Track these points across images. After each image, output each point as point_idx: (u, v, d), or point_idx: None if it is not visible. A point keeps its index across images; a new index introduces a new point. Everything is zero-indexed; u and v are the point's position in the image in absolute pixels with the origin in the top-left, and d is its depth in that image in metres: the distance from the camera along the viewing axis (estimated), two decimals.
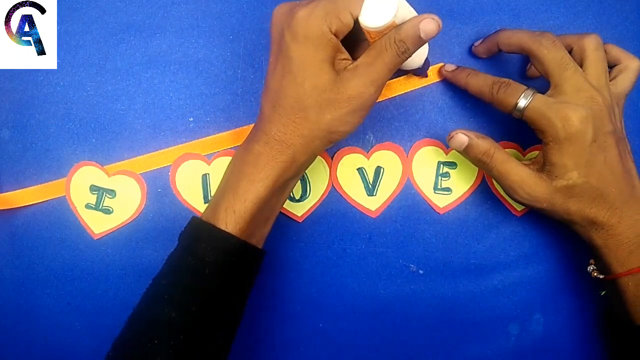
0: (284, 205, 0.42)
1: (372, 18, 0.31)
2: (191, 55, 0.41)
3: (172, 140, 0.41)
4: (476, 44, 0.41)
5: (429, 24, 0.31)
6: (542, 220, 0.43)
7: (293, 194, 0.42)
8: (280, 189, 0.34)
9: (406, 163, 0.42)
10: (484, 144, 0.37)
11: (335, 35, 0.32)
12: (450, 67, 0.41)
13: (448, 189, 0.43)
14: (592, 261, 0.40)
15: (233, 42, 0.41)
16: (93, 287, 0.43)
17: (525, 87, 0.36)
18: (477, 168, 0.43)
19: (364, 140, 0.42)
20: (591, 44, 0.37)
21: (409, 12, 0.32)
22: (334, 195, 0.42)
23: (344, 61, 0.33)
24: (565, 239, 0.44)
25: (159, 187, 0.42)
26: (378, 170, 0.42)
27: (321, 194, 0.42)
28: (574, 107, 0.34)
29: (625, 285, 0.36)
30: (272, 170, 0.33)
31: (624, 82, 0.38)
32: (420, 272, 0.44)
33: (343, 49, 0.33)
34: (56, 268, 0.43)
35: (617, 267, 0.37)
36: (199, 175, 0.42)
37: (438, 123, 0.42)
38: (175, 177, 0.41)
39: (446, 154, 0.43)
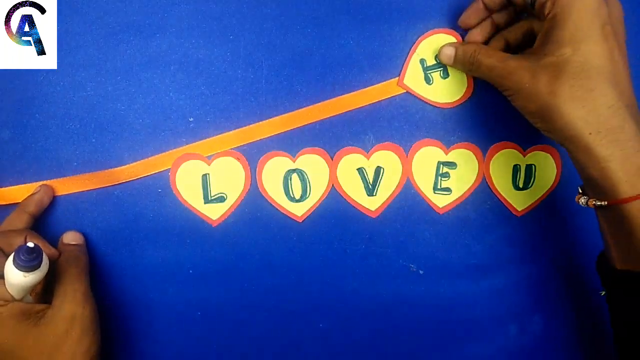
0: (284, 205, 0.42)
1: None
2: (191, 55, 0.41)
3: (172, 140, 0.41)
4: (461, 17, 0.39)
5: (70, 235, 0.40)
6: (542, 220, 0.43)
7: (293, 194, 0.42)
8: None
9: (406, 163, 0.42)
10: (468, 48, 0.37)
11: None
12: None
13: (448, 189, 0.43)
14: (580, 190, 0.36)
15: (233, 42, 0.41)
16: (93, 287, 0.43)
17: None
18: (477, 168, 0.43)
19: (364, 140, 0.42)
20: None
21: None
22: (334, 195, 0.42)
23: (38, 313, 0.35)
24: (566, 239, 0.44)
25: (159, 187, 0.42)
26: (378, 171, 0.42)
27: (321, 194, 0.42)
28: None
29: (630, 213, 0.31)
30: None
31: None
32: (420, 272, 0.44)
33: (32, 305, 0.35)
34: None
35: (624, 187, 0.31)
36: (199, 176, 0.42)
37: (438, 123, 0.42)
38: (176, 177, 0.41)
39: (446, 154, 0.43)
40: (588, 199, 0.35)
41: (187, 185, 0.42)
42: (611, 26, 0.32)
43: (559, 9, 0.32)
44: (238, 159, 0.42)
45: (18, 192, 0.41)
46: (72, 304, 0.35)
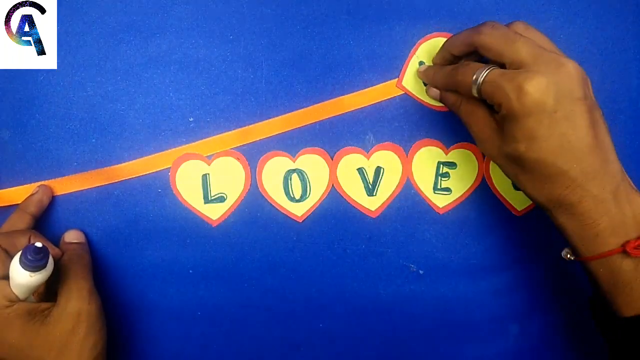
0: (284, 205, 0.42)
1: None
2: (191, 55, 0.41)
3: (172, 140, 0.41)
4: (423, 67, 0.40)
5: (72, 234, 0.40)
6: (542, 220, 0.43)
7: (293, 194, 0.42)
8: None
9: (406, 163, 0.42)
10: (451, 97, 0.37)
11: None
12: (422, 68, 0.40)
13: (448, 189, 0.43)
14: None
15: (233, 42, 0.41)
16: None
17: (485, 65, 0.33)
18: (477, 168, 0.43)
19: (364, 140, 0.42)
20: (519, 28, 0.34)
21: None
22: (334, 195, 0.42)
23: (44, 312, 0.35)
24: (566, 239, 0.43)
25: (159, 187, 0.42)
26: (378, 171, 0.42)
27: (321, 194, 0.42)
28: (530, 75, 0.30)
29: (597, 271, 0.33)
30: None
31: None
32: (420, 272, 0.44)
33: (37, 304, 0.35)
34: None
35: (583, 250, 0.33)
36: (199, 176, 0.42)
37: (438, 123, 0.42)
38: (176, 177, 0.41)
39: (446, 154, 0.43)
40: (567, 252, 0.36)
41: (187, 185, 0.42)
42: (566, 100, 0.31)
43: (502, 109, 0.32)
44: (238, 159, 0.42)
45: (17, 194, 0.41)
46: (78, 301, 0.35)
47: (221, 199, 0.42)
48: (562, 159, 0.31)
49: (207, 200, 0.42)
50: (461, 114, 0.37)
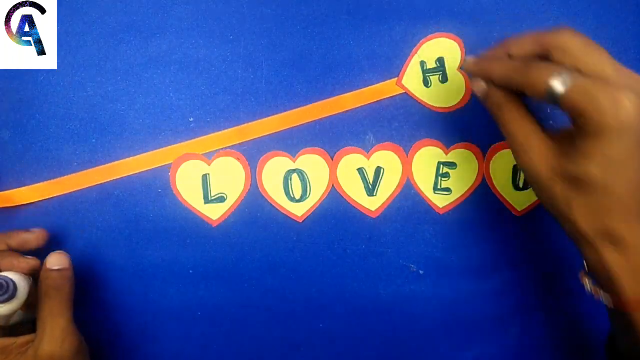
0: (284, 205, 0.42)
1: None
2: (191, 55, 0.41)
3: (172, 140, 0.41)
4: (473, 57, 0.35)
5: (54, 259, 0.36)
6: (542, 220, 0.43)
7: (293, 194, 0.42)
8: None
9: (406, 163, 0.42)
10: (497, 95, 0.32)
11: None
12: (471, 59, 0.34)
13: (448, 189, 0.43)
14: (584, 275, 0.32)
15: (233, 42, 0.41)
16: (93, 287, 0.43)
17: (564, 67, 0.28)
18: (477, 168, 0.43)
19: (364, 140, 0.42)
20: (572, 40, 0.29)
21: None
22: (334, 195, 0.42)
23: (21, 349, 0.34)
24: (565, 239, 0.43)
25: (159, 187, 0.42)
26: (378, 171, 0.42)
27: (321, 194, 0.42)
28: (627, 91, 0.26)
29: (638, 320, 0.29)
30: None
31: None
32: (420, 272, 0.44)
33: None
34: None
35: (630, 295, 0.29)
36: (199, 175, 0.42)
37: (438, 123, 0.42)
38: (176, 177, 0.41)
39: (446, 154, 0.43)
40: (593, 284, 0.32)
41: (187, 185, 0.42)
42: None
43: (586, 121, 0.27)
44: (238, 158, 0.42)
45: (19, 195, 0.41)
46: (50, 344, 0.33)
47: (221, 199, 0.42)
48: (629, 194, 0.28)
49: (207, 200, 0.42)
50: (505, 118, 0.31)
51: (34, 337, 0.34)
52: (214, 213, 0.42)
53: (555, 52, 0.29)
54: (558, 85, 0.28)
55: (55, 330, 0.34)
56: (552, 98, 0.28)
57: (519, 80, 0.30)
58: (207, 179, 0.42)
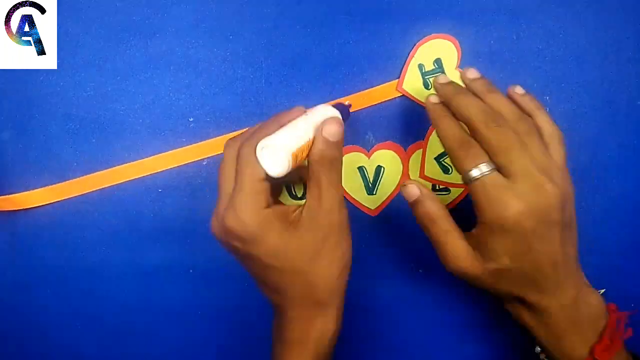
0: (285, 202, 0.42)
1: (274, 167, 0.32)
2: (191, 55, 0.41)
3: (172, 140, 0.41)
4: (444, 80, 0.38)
5: (331, 129, 0.33)
6: None
7: (295, 192, 0.42)
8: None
9: (406, 163, 0.42)
10: (430, 206, 0.35)
11: (268, 205, 0.32)
12: (434, 98, 0.37)
13: (447, 189, 0.43)
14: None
15: (233, 42, 0.41)
16: (93, 287, 0.43)
17: (487, 159, 0.33)
18: None
19: (364, 140, 0.42)
20: (530, 106, 0.36)
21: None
22: None
23: (295, 216, 0.34)
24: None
25: (159, 187, 0.42)
26: (378, 170, 0.42)
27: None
28: (515, 196, 0.32)
29: None
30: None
31: (558, 155, 0.35)
32: (420, 271, 0.44)
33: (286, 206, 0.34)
34: (56, 268, 0.43)
35: (550, 350, 0.36)
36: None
37: None
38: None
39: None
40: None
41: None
42: (544, 224, 0.33)
43: (483, 218, 0.33)
44: None
45: (26, 199, 0.41)
46: (329, 213, 0.33)
47: None
48: (538, 270, 0.34)
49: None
50: (436, 229, 0.35)
51: (301, 206, 0.34)
52: None
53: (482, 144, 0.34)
54: (474, 173, 0.33)
55: (334, 200, 0.33)
56: (468, 180, 0.33)
57: (452, 153, 0.34)
58: None
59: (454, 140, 0.34)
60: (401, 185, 0.37)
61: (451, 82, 0.37)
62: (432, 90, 0.39)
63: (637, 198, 0.43)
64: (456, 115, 0.35)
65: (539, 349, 0.38)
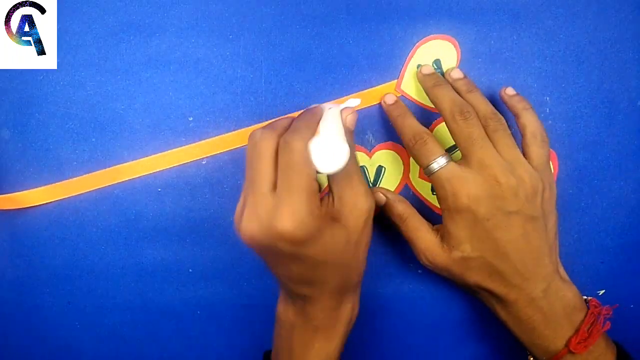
0: None
1: (331, 164, 0.31)
2: (191, 55, 0.41)
3: (172, 140, 0.41)
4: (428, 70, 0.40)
5: (352, 118, 0.34)
6: None
7: None
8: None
9: (407, 163, 0.42)
10: (398, 208, 0.39)
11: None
12: (390, 98, 0.40)
13: None
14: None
15: (233, 42, 0.41)
16: (93, 287, 0.43)
17: (443, 152, 0.36)
18: None
19: (364, 140, 0.42)
20: (519, 106, 0.38)
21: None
22: None
23: (328, 206, 0.34)
24: (566, 238, 0.44)
25: (159, 187, 0.42)
26: (379, 170, 0.42)
27: (322, 190, 0.42)
28: (466, 184, 0.34)
29: None
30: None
31: (535, 154, 0.37)
32: (420, 271, 0.44)
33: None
34: (56, 267, 0.43)
35: (528, 346, 0.37)
36: None
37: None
38: None
39: None
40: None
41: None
42: (499, 212, 0.34)
43: (442, 206, 0.36)
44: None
45: (25, 198, 0.41)
46: (366, 199, 0.34)
47: None
48: (500, 259, 0.35)
49: None
50: (407, 227, 0.38)
51: (327, 197, 0.35)
52: None
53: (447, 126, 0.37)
54: (434, 166, 0.36)
55: (364, 186, 0.34)
56: (428, 173, 0.36)
57: (408, 147, 0.37)
58: None
59: (411, 137, 0.37)
60: (373, 190, 0.40)
61: (434, 74, 0.40)
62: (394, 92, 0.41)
63: (637, 198, 0.43)
64: (433, 105, 0.38)
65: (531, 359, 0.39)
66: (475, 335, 0.44)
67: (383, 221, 0.43)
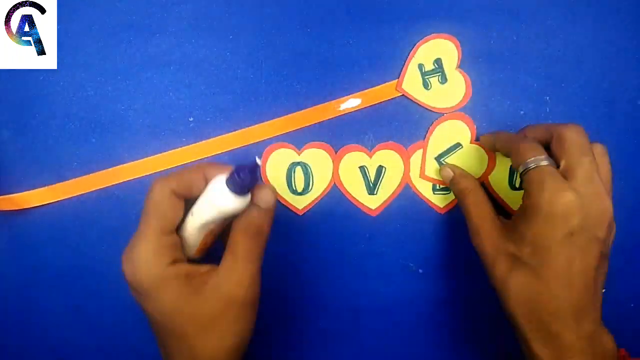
0: (286, 197, 0.42)
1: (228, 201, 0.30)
2: (191, 55, 0.41)
3: (172, 140, 0.41)
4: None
5: (265, 195, 0.32)
6: None
7: (295, 187, 0.42)
8: None
9: (408, 163, 0.42)
10: (462, 183, 0.39)
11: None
12: (486, 134, 0.40)
13: (447, 189, 0.43)
14: None
15: (233, 42, 0.41)
16: (93, 287, 0.43)
17: (547, 156, 0.33)
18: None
19: (364, 140, 0.42)
20: (597, 149, 0.35)
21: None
22: (335, 192, 0.42)
23: (201, 278, 0.32)
24: None
25: None
26: (380, 170, 0.42)
27: (323, 189, 0.42)
28: (572, 192, 0.31)
29: None
30: None
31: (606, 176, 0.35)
32: (420, 271, 0.44)
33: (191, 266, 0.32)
34: (56, 267, 0.43)
35: None
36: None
37: None
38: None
39: None
40: None
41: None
42: (587, 233, 0.31)
43: (528, 202, 0.33)
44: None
45: (26, 198, 0.41)
46: (236, 286, 0.31)
47: None
48: (559, 282, 0.31)
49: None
50: (467, 201, 0.38)
51: (214, 268, 0.32)
52: None
53: (556, 141, 0.34)
54: (530, 164, 0.33)
55: (244, 275, 0.32)
56: (523, 172, 0.33)
57: (511, 149, 0.35)
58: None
59: (512, 142, 0.36)
60: (439, 169, 0.41)
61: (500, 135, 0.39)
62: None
63: (637, 198, 0.43)
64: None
65: None
66: (475, 336, 0.44)
67: (383, 221, 0.43)
